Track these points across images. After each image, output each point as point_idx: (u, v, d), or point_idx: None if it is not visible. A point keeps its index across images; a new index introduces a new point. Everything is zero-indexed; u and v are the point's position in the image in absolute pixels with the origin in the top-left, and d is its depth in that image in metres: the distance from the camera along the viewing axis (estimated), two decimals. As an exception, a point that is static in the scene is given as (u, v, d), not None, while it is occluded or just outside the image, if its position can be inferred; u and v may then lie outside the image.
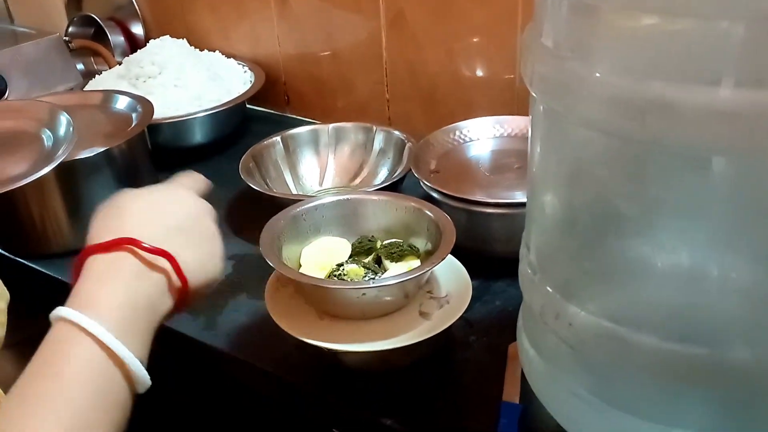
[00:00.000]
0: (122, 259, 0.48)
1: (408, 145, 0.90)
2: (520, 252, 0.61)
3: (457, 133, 0.87)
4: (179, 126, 0.99)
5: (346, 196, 0.70)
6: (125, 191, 0.54)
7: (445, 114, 1.00)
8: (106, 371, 0.44)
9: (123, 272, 0.47)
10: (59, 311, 0.45)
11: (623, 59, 0.43)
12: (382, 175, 0.92)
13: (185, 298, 0.51)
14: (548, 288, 0.53)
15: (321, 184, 0.94)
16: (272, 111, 1.18)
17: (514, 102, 0.94)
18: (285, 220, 0.67)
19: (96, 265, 0.48)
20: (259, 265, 0.82)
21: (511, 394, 0.61)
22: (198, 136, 1.02)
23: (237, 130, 1.10)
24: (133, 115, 0.89)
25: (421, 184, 0.79)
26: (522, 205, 0.74)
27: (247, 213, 0.90)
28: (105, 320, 0.44)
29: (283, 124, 1.14)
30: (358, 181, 0.94)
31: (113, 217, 0.51)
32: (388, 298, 0.61)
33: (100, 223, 0.51)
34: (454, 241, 0.62)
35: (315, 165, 0.95)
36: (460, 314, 0.61)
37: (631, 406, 0.51)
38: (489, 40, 0.93)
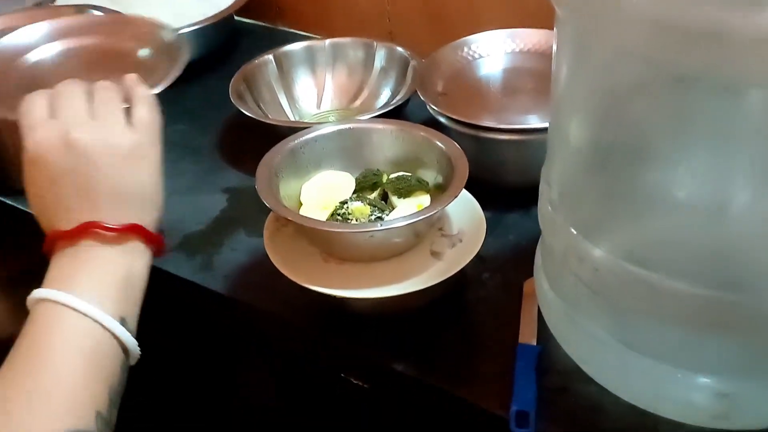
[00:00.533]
0: (91, 247, 0.46)
1: (412, 63, 0.83)
2: (539, 188, 0.56)
3: (466, 49, 0.80)
4: (163, 44, 0.92)
5: (348, 125, 0.64)
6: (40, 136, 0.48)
7: (452, 28, 0.92)
8: (93, 342, 0.41)
9: (96, 259, 0.46)
10: (37, 293, 0.43)
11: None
12: (385, 96, 0.86)
13: (161, 248, 0.51)
14: (572, 229, 0.49)
15: (319, 107, 0.88)
16: (263, 24, 1.10)
17: (528, 13, 0.86)
18: (282, 155, 0.61)
19: (66, 260, 0.46)
20: (256, 197, 0.77)
21: (527, 335, 0.58)
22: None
23: (225, 46, 1.02)
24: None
25: (428, 107, 0.73)
26: (536, 131, 0.69)
27: (241, 140, 0.85)
28: (86, 295, 0.42)
29: (275, 39, 1.06)
30: (358, 103, 0.88)
31: (64, 186, 0.47)
32: (398, 240, 0.56)
33: (52, 194, 0.47)
34: (467, 175, 0.58)
35: (311, 86, 0.88)
36: (474, 254, 0.57)
37: (652, 349, 0.48)
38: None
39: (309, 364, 0.66)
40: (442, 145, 0.60)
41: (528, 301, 0.61)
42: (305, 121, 0.86)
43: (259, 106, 0.84)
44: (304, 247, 0.59)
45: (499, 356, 0.57)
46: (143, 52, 0.74)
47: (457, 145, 0.60)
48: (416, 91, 0.76)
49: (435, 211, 0.55)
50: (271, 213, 0.62)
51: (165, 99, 0.93)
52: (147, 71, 0.65)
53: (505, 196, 0.71)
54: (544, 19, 0.84)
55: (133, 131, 0.50)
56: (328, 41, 0.88)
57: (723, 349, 0.45)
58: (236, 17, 1.05)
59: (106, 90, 0.52)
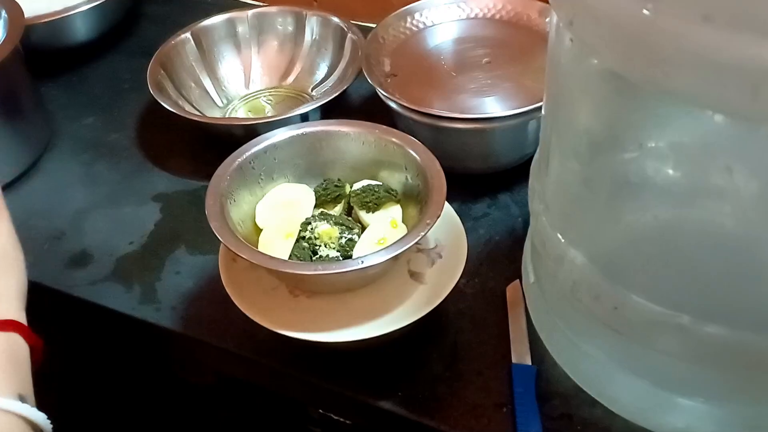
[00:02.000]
0: None
1: (349, 35, 0.75)
2: (530, 205, 0.51)
3: (410, 19, 0.73)
4: (58, 24, 0.79)
5: (301, 131, 0.56)
6: None
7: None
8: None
9: None
10: None
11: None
12: (322, 71, 0.77)
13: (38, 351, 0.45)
14: (583, 260, 0.44)
15: (248, 87, 0.79)
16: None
17: None
18: (230, 176, 0.53)
19: None
20: (191, 203, 0.69)
21: (521, 353, 0.54)
22: (83, 32, 0.82)
23: (128, 18, 0.90)
24: (-3, 24, 0.69)
25: (378, 93, 0.66)
26: (498, 119, 0.63)
27: (164, 134, 0.75)
28: None
29: (182, 3, 0.94)
30: (290, 79, 0.79)
31: None
32: (376, 270, 0.50)
33: None
34: (445, 188, 0.52)
35: (237, 64, 0.79)
36: (459, 275, 0.52)
37: (662, 381, 0.45)
38: None
39: (281, 402, 0.60)
40: (415, 155, 0.54)
41: (514, 310, 0.57)
42: (235, 115, 0.76)
43: (180, 94, 0.74)
44: (265, 277, 0.52)
45: (492, 381, 0.53)
46: None
47: (431, 154, 0.54)
48: (360, 71, 0.68)
49: (418, 238, 0.49)
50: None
51: (65, 86, 0.82)
52: None
53: (467, 185, 0.66)
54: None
55: None
56: (251, 12, 0.78)
57: (757, 383, 0.42)
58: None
59: None
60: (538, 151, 0.51)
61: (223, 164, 0.54)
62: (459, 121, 0.63)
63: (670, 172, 0.39)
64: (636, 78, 0.35)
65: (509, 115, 0.62)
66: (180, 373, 0.69)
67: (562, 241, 0.45)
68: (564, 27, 0.38)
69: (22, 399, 0.41)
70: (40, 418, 0.41)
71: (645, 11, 0.32)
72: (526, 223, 0.64)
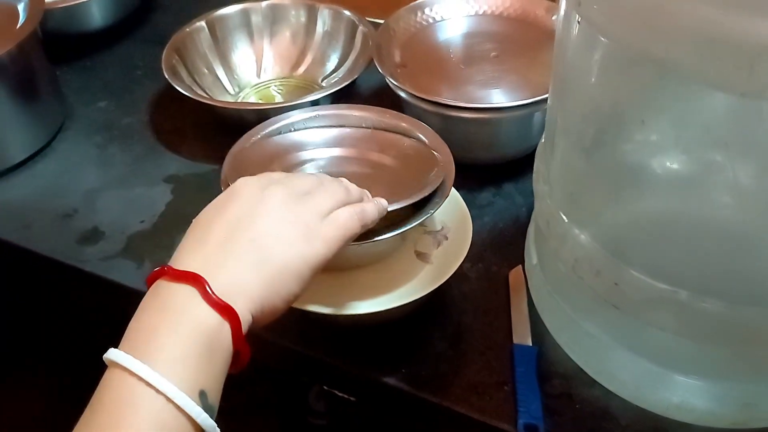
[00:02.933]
0: (187, 300, 0.38)
1: (360, 28, 0.76)
2: (534, 187, 0.52)
3: (420, 13, 0.74)
4: (74, 10, 0.81)
5: (315, 113, 0.58)
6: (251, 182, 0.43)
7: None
8: (174, 428, 0.36)
9: (185, 316, 0.38)
10: (116, 356, 0.36)
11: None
12: (332, 63, 0.79)
13: (243, 359, 0.41)
14: (586, 238, 0.45)
15: (259, 76, 0.80)
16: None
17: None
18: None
19: (158, 301, 0.39)
20: (202, 186, 0.70)
21: (522, 334, 0.55)
22: (98, 18, 0.84)
23: (144, 6, 0.91)
24: (19, 6, 0.71)
25: (388, 82, 0.67)
26: (504, 109, 0.65)
27: (176, 118, 0.76)
28: (169, 371, 0.36)
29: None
30: (301, 69, 0.81)
31: (210, 231, 0.41)
32: (384, 246, 0.51)
33: (197, 232, 0.42)
34: (454, 170, 0.53)
35: (250, 53, 0.80)
36: (463, 257, 0.53)
37: (671, 362, 0.46)
38: None
39: (286, 377, 0.61)
40: (423, 137, 0.55)
41: (516, 294, 0.58)
42: (247, 101, 0.78)
43: (194, 79, 0.75)
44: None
45: (494, 360, 0.54)
46: None
47: (439, 137, 0.55)
48: (371, 60, 0.70)
49: (427, 216, 0.50)
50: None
51: (79, 71, 0.84)
52: None
53: (474, 174, 0.67)
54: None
55: (317, 238, 0.43)
56: (265, 3, 0.80)
57: (751, 359, 0.43)
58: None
59: (335, 184, 0.46)
60: (544, 134, 0.53)
61: (239, 141, 0.55)
62: (466, 110, 0.64)
63: (672, 152, 0.41)
64: (638, 54, 0.37)
65: (515, 106, 0.63)
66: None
67: (566, 220, 0.47)
68: (571, 8, 0.39)
69: (202, 395, 0.37)
70: (209, 426, 0.37)
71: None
72: (529, 212, 0.65)
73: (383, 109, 0.59)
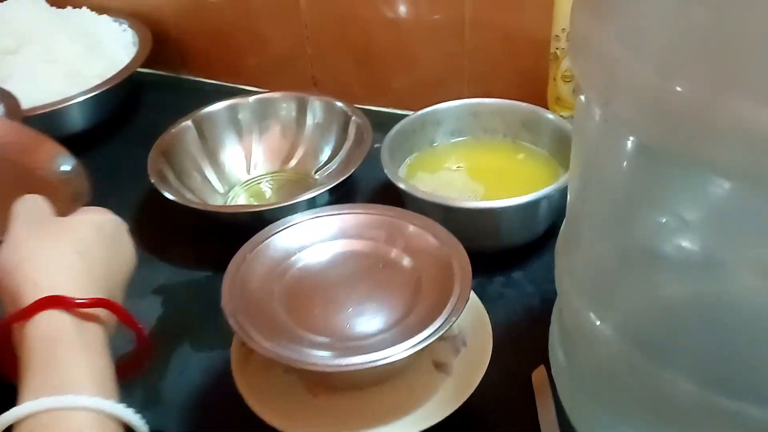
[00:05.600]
0: (54, 328, 0.40)
1: (353, 118, 0.74)
2: (558, 285, 0.49)
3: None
4: (55, 115, 0.78)
5: (315, 216, 0.55)
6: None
7: (384, 70, 0.84)
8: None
9: (63, 343, 0.40)
10: (27, 408, 0.36)
11: None
12: (325, 155, 0.76)
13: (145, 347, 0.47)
14: (618, 336, 0.42)
15: (249, 172, 0.77)
16: (166, 74, 0.97)
17: (464, 54, 0.79)
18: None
19: (29, 345, 0.39)
20: (195, 295, 0.66)
21: (552, 442, 0.51)
22: (80, 122, 0.81)
23: (127, 105, 0.89)
24: (-6, 117, 0.68)
25: (396, 184, 0.64)
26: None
27: (164, 223, 0.72)
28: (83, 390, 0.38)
29: (181, 90, 0.95)
30: (293, 162, 0.78)
31: (23, 261, 0.42)
32: (401, 363, 0.47)
33: (12, 274, 0.42)
34: (471, 273, 0.50)
35: (239, 150, 0.77)
36: (487, 363, 0.49)
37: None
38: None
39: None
40: (434, 240, 0.52)
41: (541, 396, 0.54)
42: (237, 201, 0.74)
43: (182, 182, 0.72)
44: (282, 375, 0.49)
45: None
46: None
47: (453, 237, 0.52)
48: (368, 152, 0.68)
49: (447, 327, 0.46)
50: (235, 334, 0.51)
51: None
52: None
53: (480, 262, 0.63)
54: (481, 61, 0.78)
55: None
56: (252, 98, 0.78)
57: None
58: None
59: None
60: (564, 227, 0.50)
61: (238, 252, 0.51)
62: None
63: (703, 242, 0.38)
64: (672, 152, 0.34)
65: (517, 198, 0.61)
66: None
67: (594, 318, 0.43)
68: (597, 107, 0.37)
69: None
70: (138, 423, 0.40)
71: (677, 88, 0.31)
72: (543, 302, 0.62)
73: (387, 207, 0.56)
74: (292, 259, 0.52)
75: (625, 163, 0.40)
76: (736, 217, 0.37)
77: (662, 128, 0.33)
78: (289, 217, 0.55)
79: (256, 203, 0.74)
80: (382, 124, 0.78)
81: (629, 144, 0.39)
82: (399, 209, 0.56)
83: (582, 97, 0.42)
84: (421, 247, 0.53)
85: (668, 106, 0.32)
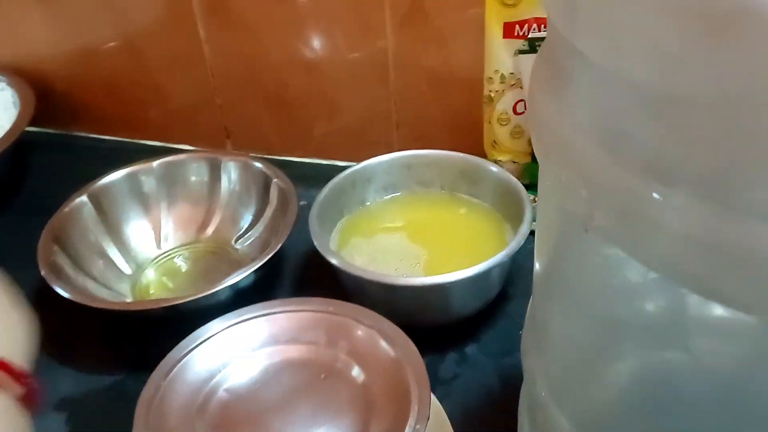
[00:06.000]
0: None
1: (274, 181, 0.66)
2: (524, 362, 0.43)
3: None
4: None
5: (240, 319, 0.47)
6: None
7: (303, 117, 0.77)
8: None
9: None
10: None
11: None
12: (246, 221, 0.68)
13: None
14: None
15: (160, 246, 0.68)
16: (53, 131, 0.86)
17: (390, 97, 0.73)
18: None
19: None
20: (106, 405, 0.57)
21: None
22: (-46, 200, 0.70)
23: (11, 172, 0.78)
24: None
25: (329, 261, 0.57)
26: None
27: (66, 321, 0.62)
28: None
29: (72, 148, 0.84)
30: (209, 231, 0.69)
31: None
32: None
33: None
34: (428, 382, 0.43)
35: (145, 223, 0.68)
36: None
37: None
38: (346, 17, 0.70)
39: None
40: (386, 345, 0.45)
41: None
42: (148, 290, 0.65)
43: (81, 269, 0.62)
44: None
45: None
46: None
47: (405, 336, 0.45)
48: (294, 223, 0.60)
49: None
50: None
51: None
52: None
53: (430, 339, 0.57)
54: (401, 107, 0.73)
55: None
56: (156, 163, 0.69)
57: None
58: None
59: None
60: (531, 300, 0.44)
61: (149, 382, 0.43)
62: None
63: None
64: (651, 265, 0.29)
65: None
66: None
67: (558, 412, 0.38)
68: (575, 217, 0.31)
69: None
70: None
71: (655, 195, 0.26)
72: (500, 381, 0.56)
73: (324, 301, 0.49)
74: (216, 379, 0.44)
75: (592, 265, 0.35)
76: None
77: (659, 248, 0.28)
78: (206, 326, 0.47)
79: (170, 284, 0.65)
80: (305, 176, 0.71)
81: (598, 248, 0.33)
82: (338, 302, 0.49)
83: (546, 182, 0.36)
84: (369, 350, 0.46)
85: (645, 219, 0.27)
